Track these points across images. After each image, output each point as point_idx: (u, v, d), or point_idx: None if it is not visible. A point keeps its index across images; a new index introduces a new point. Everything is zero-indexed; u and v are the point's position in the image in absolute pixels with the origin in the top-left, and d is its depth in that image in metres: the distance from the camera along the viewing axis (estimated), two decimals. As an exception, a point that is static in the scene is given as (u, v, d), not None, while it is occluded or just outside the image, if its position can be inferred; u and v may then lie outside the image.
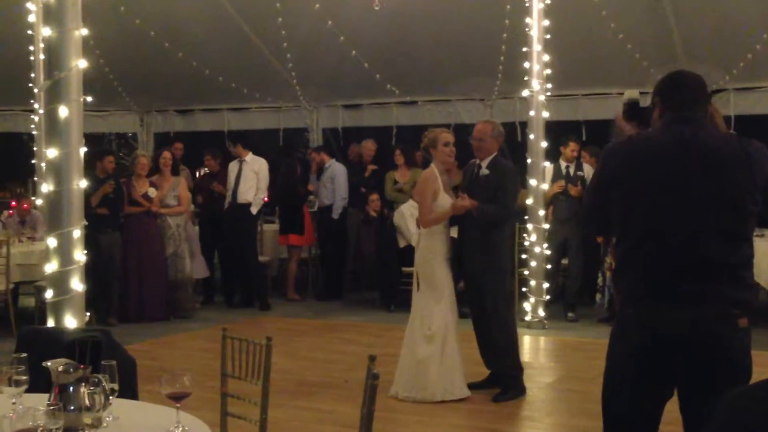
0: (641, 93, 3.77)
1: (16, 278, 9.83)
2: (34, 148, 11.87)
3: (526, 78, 10.24)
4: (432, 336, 6.95)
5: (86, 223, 5.43)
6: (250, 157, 11.58)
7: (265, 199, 11.79)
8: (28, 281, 10.10)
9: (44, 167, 5.41)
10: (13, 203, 10.97)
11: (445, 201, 7.01)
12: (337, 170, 12.17)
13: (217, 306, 11.79)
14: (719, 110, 3.88)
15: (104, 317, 10.29)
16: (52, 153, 5.31)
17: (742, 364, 3.40)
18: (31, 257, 9.86)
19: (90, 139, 15.95)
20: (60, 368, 3.03)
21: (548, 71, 10.21)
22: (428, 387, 6.91)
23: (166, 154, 11.10)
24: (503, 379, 7.10)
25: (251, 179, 11.47)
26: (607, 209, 3.60)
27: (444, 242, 7.04)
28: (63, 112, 5.28)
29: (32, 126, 11.98)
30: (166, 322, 10.54)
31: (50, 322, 5.32)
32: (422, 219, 7.10)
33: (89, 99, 5.51)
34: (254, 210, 11.47)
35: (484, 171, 7.01)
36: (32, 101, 11.65)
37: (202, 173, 12.74)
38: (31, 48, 11.43)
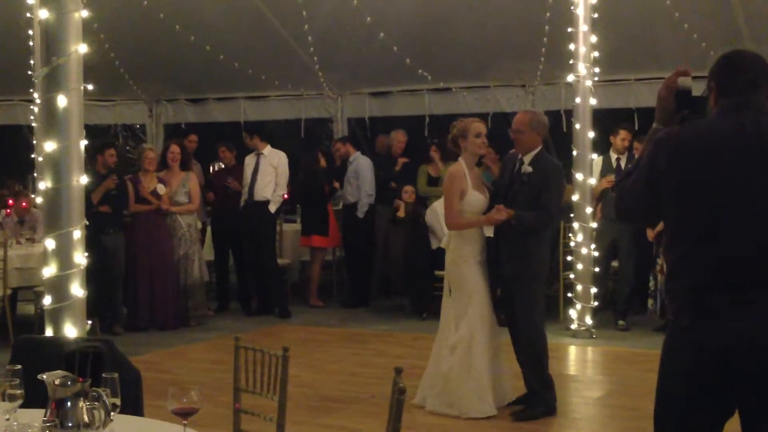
0: (696, 77, 3.73)
1: (14, 283, 9.90)
2: (34, 142, 11.96)
3: (571, 61, 10.19)
4: (454, 346, 6.95)
5: (87, 223, 5.47)
6: (268, 150, 11.59)
7: (285, 196, 11.80)
8: (27, 286, 10.17)
9: (42, 161, 5.43)
10: (11, 201, 11.03)
11: (474, 199, 6.98)
12: (361, 164, 12.15)
13: (232, 313, 11.83)
14: None
15: (109, 326, 10.35)
16: (50, 146, 5.34)
17: None
18: (31, 260, 9.93)
19: (95, 131, 16.08)
20: (57, 381, 3.04)
21: (596, 54, 10.15)
22: (454, 403, 6.91)
23: (174, 148, 11.15)
24: (530, 394, 7.07)
25: (269, 174, 11.48)
26: (657, 201, 3.54)
27: (476, 243, 7.01)
28: (62, 101, 5.31)
29: (32, 117, 12.07)
30: (176, 330, 10.60)
31: (48, 331, 5.35)
32: (447, 221, 7.12)
33: (90, 87, 5.53)
34: (273, 208, 11.48)
35: (527, 168, 6.95)
36: (32, 90, 11.71)
37: (216, 168, 12.78)
38: (30, 32, 11.50)
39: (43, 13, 5.33)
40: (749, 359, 3.30)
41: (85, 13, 5.39)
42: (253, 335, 9.88)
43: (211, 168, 13.21)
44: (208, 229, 12.32)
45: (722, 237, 3.37)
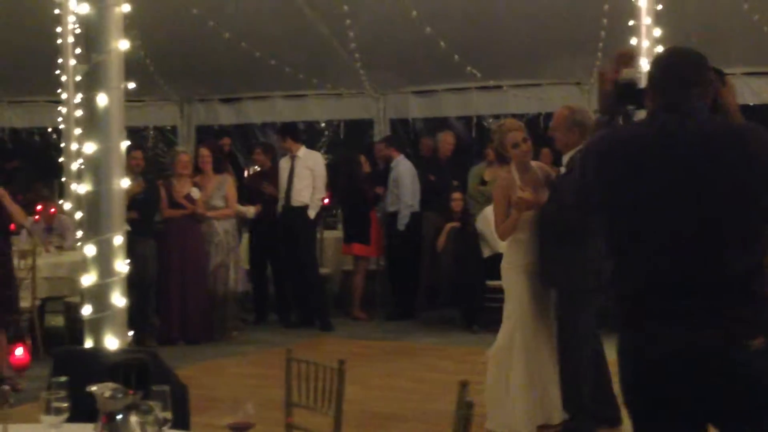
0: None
1: (42, 293, 9.95)
2: (62, 144, 12.04)
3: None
4: (493, 356, 6.92)
5: (129, 229, 5.52)
6: (302, 151, 11.61)
7: (326, 201, 11.81)
8: (56, 297, 10.24)
9: (82, 164, 5.49)
10: (39, 207, 11.13)
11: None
12: (401, 171, 12.02)
13: (270, 325, 11.83)
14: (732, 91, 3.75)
15: (142, 338, 10.38)
16: (90, 147, 5.38)
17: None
18: (60, 269, 10.00)
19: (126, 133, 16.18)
20: (107, 394, 3.07)
21: (660, 49, 10.07)
22: (490, 416, 6.87)
23: (203, 152, 11.20)
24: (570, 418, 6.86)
25: (306, 177, 11.48)
26: (588, 201, 3.62)
27: (525, 251, 6.89)
28: (102, 100, 5.35)
29: (60, 119, 12.14)
30: (209, 344, 10.62)
31: (88, 342, 5.38)
32: (497, 230, 7.08)
33: (131, 85, 5.58)
34: (312, 213, 11.48)
35: (562, 169, 6.90)
36: (60, 91, 11.81)
37: (250, 172, 12.80)
38: (59, 30, 11.61)
39: (83, 8, 5.38)
40: (687, 372, 3.33)
41: (127, 8, 5.45)
42: (293, 348, 9.87)
43: (245, 172, 13.24)
44: (245, 236, 12.34)
45: (650, 245, 3.40)
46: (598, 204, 3.54)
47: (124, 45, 5.40)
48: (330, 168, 11.89)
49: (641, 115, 4.01)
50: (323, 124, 15.87)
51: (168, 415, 3.27)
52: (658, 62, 3.60)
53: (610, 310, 3.69)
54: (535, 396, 6.86)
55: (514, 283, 6.94)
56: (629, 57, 3.75)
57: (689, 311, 3.33)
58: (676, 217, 3.36)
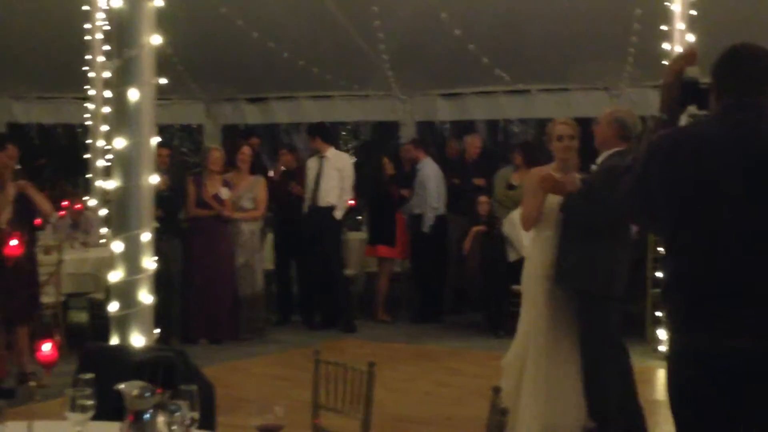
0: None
1: (67, 289, 9.95)
2: (88, 141, 12.05)
3: (664, 63, 10.01)
4: (506, 365, 6.76)
5: (157, 226, 5.49)
6: (331, 152, 11.59)
7: (352, 202, 11.76)
8: (80, 293, 10.22)
9: (109, 160, 5.46)
10: (65, 203, 11.13)
11: (552, 200, 6.62)
12: (427, 173, 11.99)
13: (293, 326, 11.81)
14: None
15: (166, 337, 10.36)
16: (119, 143, 5.35)
17: None
18: (84, 265, 9.99)
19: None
20: (135, 392, 3.03)
21: (693, 54, 9.97)
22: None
23: (246, 149, 11.16)
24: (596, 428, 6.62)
25: (334, 178, 11.46)
26: (650, 200, 3.48)
27: (545, 253, 6.67)
28: (133, 95, 5.31)
29: (86, 115, 12.15)
30: (233, 343, 10.60)
31: (114, 339, 5.35)
32: (522, 219, 6.95)
33: (163, 81, 5.54)
34: (339, 214, 11.46)
35: (593, 168, 6.77)
36: (87, 87, 11.80)
37: (277, 172, 12.78)
38: (87, 26, 11.61)
39: (116, 2, 5.34)
40: (751, 381, 3.25)
41: (159, 2, 5.40)
42: (314, 350, 9.85)
43: (270, 172, 13.22)
44: (269, 236, 12.32)
45: (717, 250, 3.31)
46: (662, 205, 3.44)
47: (156, 40, 5.35)
48: (355, 169, 11.84)
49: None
50: (349, 126, 15.85)
51: (195, 415, 3.24)
52: (726, 60, 3.49)
53: (665, 314, 3.56)
54: (546, 406, 6.58)
55: (531, 285, 6.74)
56: (693, 56, 3.64)
57: (754, 320, 3.25)
58: (748, 221, 3.28)
